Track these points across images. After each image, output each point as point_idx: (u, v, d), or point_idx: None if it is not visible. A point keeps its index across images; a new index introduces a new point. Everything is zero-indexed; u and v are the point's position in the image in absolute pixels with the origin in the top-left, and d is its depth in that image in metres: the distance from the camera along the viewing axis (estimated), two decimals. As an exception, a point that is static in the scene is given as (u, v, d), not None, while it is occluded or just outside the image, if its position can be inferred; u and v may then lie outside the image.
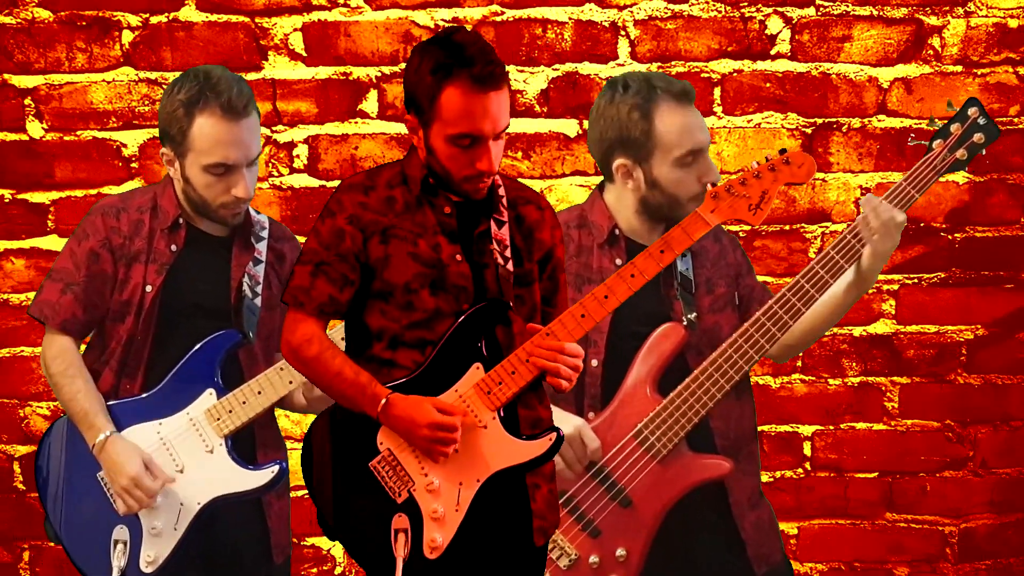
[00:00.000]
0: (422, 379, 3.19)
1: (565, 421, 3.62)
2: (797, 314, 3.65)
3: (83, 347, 3.94)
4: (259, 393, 3.84)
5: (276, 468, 3.82)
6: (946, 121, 3.77)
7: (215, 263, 3.91)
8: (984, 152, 3.75)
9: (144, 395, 3.86)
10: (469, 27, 4.57)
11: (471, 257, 3.24)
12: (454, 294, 3.21)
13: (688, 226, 3.24)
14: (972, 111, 3.75)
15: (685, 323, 3.69)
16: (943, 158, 3.72)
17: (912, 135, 3.79)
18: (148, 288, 3.86)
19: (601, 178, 3.86)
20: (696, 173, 3.70)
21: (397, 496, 3.18)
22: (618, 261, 3.72)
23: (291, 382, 3.84)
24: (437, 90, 3.15)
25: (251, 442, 3.92)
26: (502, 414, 3.20)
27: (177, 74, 3.94)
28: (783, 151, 3.32)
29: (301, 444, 3.26)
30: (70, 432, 3.87)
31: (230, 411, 3.83)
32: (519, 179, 3.43)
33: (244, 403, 3.84)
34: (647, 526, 3.64)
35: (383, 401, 3.16)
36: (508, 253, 3.26)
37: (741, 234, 4.59)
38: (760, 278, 3.93)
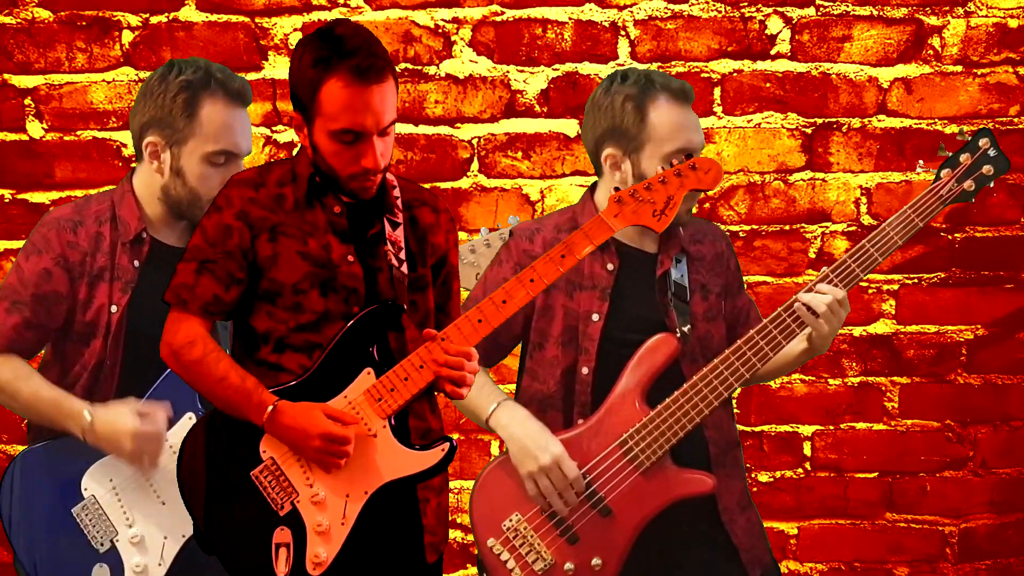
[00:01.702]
0: (309, 384, 3.06)
1: (544, 450, 3.59)
2: (791, 335, 3.63)
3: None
4: None
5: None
6: (956, 150, 3.70)
7: None
8: (992, 185, 3.69)
9: None
10: (467, 27, 4.58)
11: (364, 259, 3.13)
12: (344, 296, 3.10)
13: (590, 230, 3.17)
14: (983, 142, 3.68)
15: (679, 335, 3.66)
16: (950, 188, 3.67)
17: (921, 163, 3.74)
18: (114, 308, 3.67)
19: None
20: None
21: (279, 508, 3.04)
22: (609, 266, 3.70)
23: None
24: (318, 84, 3.04)
25: None
26: (393, 422, 3.08)
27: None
28: (689, 155, 3.25)
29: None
30: (32, 469, 3.67)
31: None
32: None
33: None
34: (625, 537, 3.62)
35: (270, 408, 3.02)
36: (402, 255, 3.15)
37: (741, 234, 4.59)
38: (760, 278, 3.91)
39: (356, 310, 3.09)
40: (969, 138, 3.68)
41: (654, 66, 4.57)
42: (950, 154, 3.68)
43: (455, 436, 4.67)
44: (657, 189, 3.21)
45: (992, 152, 3.67)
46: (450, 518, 4.65)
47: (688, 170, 3.23)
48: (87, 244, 3.70)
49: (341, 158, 3.07)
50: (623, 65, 4.58)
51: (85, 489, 3.67)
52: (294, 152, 3.30)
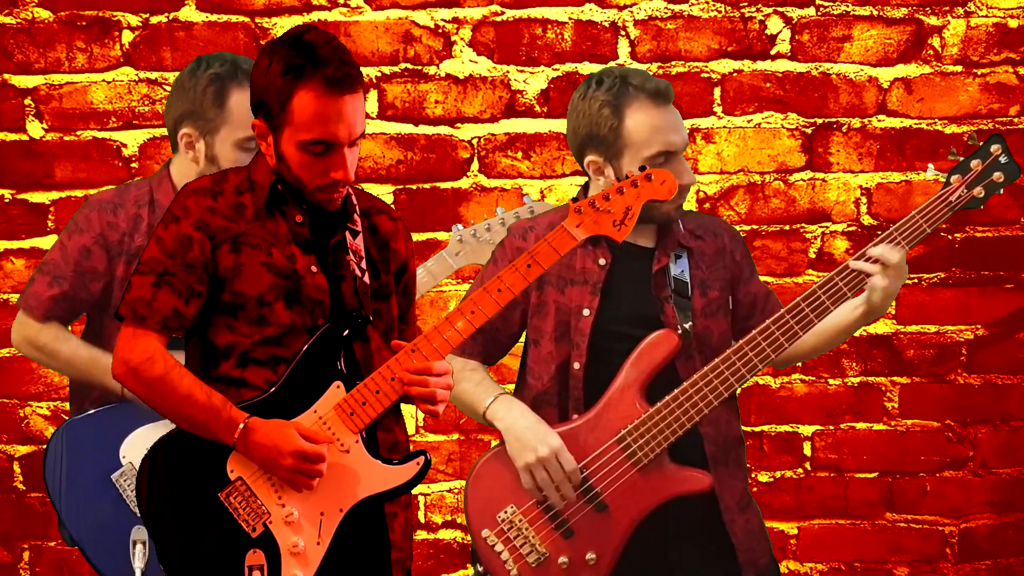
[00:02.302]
0: (276, 399, 2.96)
1: (542, 442, 3.60)
2: (793, 337, 3.61)
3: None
4: None
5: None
6: (967, 155, 3.65)
7: None
8: (1002, 191, 3.66)
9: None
10: (467, 27, 4.58)
11: (327, 268, 3.04)
12: (309, 308, 3.01)
13: (554, 240, 3.15)
14: (995, 148, 3.62)
15: (680, 331, 3.65)
16: (959, 195, 3.63)
17: (931, 166, 3.71)
18: None
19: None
20: None
21: (251, 530, 2.95)
22: (601, 261, 3.68)
23: None
24: (288, 93, 2.94)
25: None
26: (365, 436, 3.00)
27: (176, 74, 3.94)
28: (643, 168, 3.24)
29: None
30: (76, 437, 3.82)
31: None
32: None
33: None
34: (620, 532, 3.62)
35: (241, 426, 2.91)
36: (364, 264, 3.07)
37: (741, 234, 4.59)
38: (760, 278, 3.90)
39: (321, 322, 3.01)
40: (980, 144, 3.64)
41: (654, 66, 4.57)
42: (961, 159, 3.64)
43: (456, 436, 4.67)
44: (615, 200, 3.18)
45: (1004, 159, 3.62)
46: (450, 518, 4.68)
47: (644, 181, 3.20)
48: (126, 225, 3.86)
49: (310, 169, 2.99)
50: (623, 65, 4.57)
51: (123, 457, 3.81)
52: None
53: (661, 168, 3.52)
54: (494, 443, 4.61)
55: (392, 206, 3.33)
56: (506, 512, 3.63)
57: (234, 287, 2.99)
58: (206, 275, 2.99)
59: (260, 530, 2.95)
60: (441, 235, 4.53)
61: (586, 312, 3.67)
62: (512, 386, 3.82)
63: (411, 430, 4.66)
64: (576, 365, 3.67)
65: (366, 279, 3.07)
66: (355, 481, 2.97)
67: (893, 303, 3.90)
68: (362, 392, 2.99)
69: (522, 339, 3.79)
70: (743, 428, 3.81)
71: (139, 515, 3.55)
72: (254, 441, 2.92)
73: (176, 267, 2.98)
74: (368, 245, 3.11)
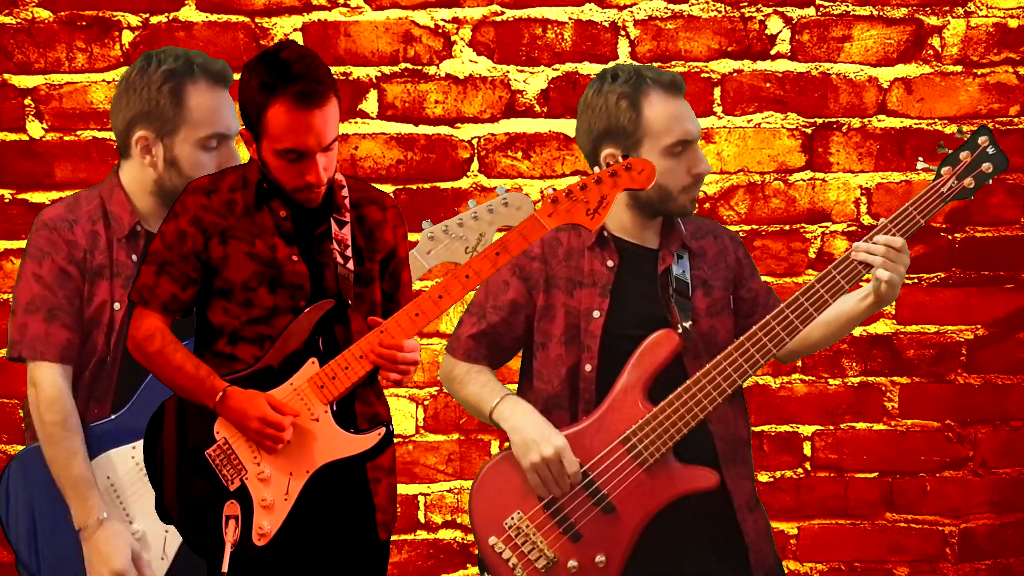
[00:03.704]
0: (259, 373, 3.33)
1: (546, 441, 3.60)
2: (794, 332, 3.63)
3: None
4: None
5: None
6: (956, 148, 3.72)
7: None
8: (991, 182, 3.72)
9: (114, 416, 3.69)
10: (467, 27, 4.58)
11: (310, 257, 3.36)
12: (291, 292, 3.34)
13: (524, 229, 3.31)
14: (982, 140, 3.70)
15: (680, 331, 3.66)
16: (950, 186, 3.69)
17: (921, 159, 3.76)
18: (116, 306, 3.70)
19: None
20: (686, 164, 3.67)
21: (229, 484, 3.31)
22: (609, 263, 3.70)
23: None
24: (263, 107, 3.24)
25: None
26: (335, 408, 3.33)
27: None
28: (625, 156, 3.34)
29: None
30: (30, 468, 3.68)
31: None
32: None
33: None
34: (628, 534, 3.62)
35: (220, 394, 3.29)
36: (349, 253, 3.38)
37: (741, 234, 4.59)
38: (760, 278, 3.91)
39: (303, 305, 3.34)
40: (968, 136, 3.70)
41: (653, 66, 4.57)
42: (950, 152, 3.70)
43: (456, 436, 4.67)
44: (592, 189, 3.34)
45: (991, 150, 3.70)
46: (450, 518, 4.68)
47: (623, 170, 3.34)
48: (85, 242, 3.70)
49: (287, 174, 3.30)
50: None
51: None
52: None
53: (685, 154, 3.58)
54: (494, 443, 4.61)
55: (387, 195, 3.47)
56: (513, 519, 3.62)
57: (224, 275, 3.36)
58: (200, 264, 3.36)
59: (237, 484, 3.32)
60: (441, 235, 4.53)
61: (596, 314, 3.67)
62: (513, 386, 3.82)
63: (411, 430, 4.66)
64: (588, 367, 3.67)
65: (349, 266, 3.37)
66: (321, 447, 3.31)
67: (893, 304, 3.92)
68: (332, 368, 3.32)
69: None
70: (744, 428, 3.82)
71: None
72: (229, 407, 3.30)
73: (174, 258, 3.36)
74: (355, 235, 3.41)
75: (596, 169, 3.33)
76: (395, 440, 4.64)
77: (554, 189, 3.35)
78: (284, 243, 3.36)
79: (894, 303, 4.61)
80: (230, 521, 3.29)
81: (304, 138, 3.24)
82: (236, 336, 3.36)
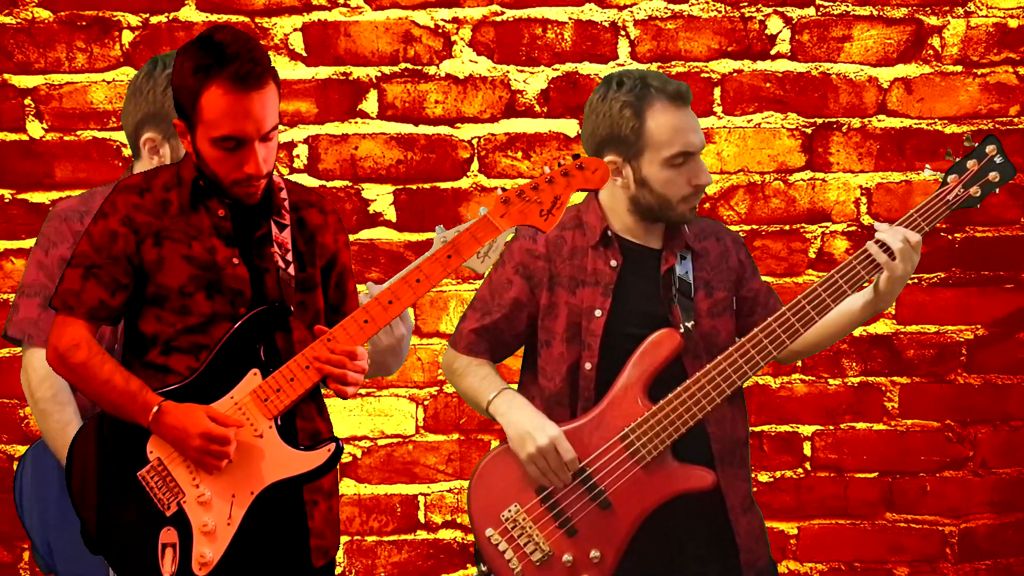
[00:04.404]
0: (196, 385, 3.09)
1: (540, 431, 3.61)
2: (795, 334, 3.63)
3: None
4: None
5: None
6: (963, 156, 3.70)
7: None
8: (998, 191, 3.71)
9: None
10: (467, 27, 4.58)
11: (250, 261, 3.15)
12: (230, 298, 3.12)
13: (476, 231, 3.19)
14: (990, 148, 3.68)
15: (682, 331, 3.67)
16: (956, 194, 3.68)
17: (928, 166, 3.75)
18: None
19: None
20: (686, 175, 3.67)
21: (166, 508, 3.06)
22: (612, 263, 3.70)
23: None
24: (198, 92, 3.05)
25: None
26: (279, 423, 3.10)
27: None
28: (576, 156, 3.26)
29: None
30: (44, 456, 3.69)
31: None
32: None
33: None
34: (624, 530, 3.63)
35: (155, 409, 3.05)
36: (290, 257, 3.17)
37: (741, 234, 4.59)
38: (762, 278, 3.91)
39: (243, 311, 3.12)
40: (976, 144, 3.69)
41: (654, 66, 4.57)
42: (957, 159, 3.69)
43: (456, 436, 4.67)
44: (544, 189, 3.22)
45: (999, 159, 3.68)
46: (450, 518, 4.68)
47: (575, 170, 3.24)
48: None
49: (224, 164, 3.10)
50: (623, 65, 4.58)
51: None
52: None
53: (687, 165, 3.57)
54: (494, 443, 4.61)
55: (326, 199, 3.34)
56: (510, 511, 3.63)
57: (157, 279, 3.12)
58: (131, 268, 3.13)
59: (174, 509, 3.06)
60: (441, 235, 4.53)
61: (598, 313, 3.68)
62: (514, 385, 3.82)
63: (411, 430, 4.66)
64: (588, 365, 3.68)
65: (290, 271, 3.16)
66: (267, 465, 3.07)
67: (893, 304, 3.92)
68: (277, 379, 3.09)
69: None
70: (744, 428, 3.82)
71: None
72: (166, 423, 3.05)
73: (103, 260, 3.12)
74: (296, 238, 3.20)
75: (547, 169, 3.27)
76: (395, 440, 4.65)
77: (505, 189, 3.23)
78: (223, 245, 3.14)
79: (894, 305, 4.61)
80: (167, 550, 3.04)
81: (242, 124, 3.05)
82: (169, 345, 3.12)
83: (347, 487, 4.65)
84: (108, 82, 4.59)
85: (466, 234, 3.19)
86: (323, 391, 3.26)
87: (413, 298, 3.16)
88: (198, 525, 3.06)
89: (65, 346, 3.11)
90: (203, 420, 3.04)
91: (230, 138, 3.07)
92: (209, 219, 3.16)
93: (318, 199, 3.30)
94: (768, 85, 4.62)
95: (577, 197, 4.51)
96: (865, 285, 3.66)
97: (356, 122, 4.62)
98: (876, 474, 4.68)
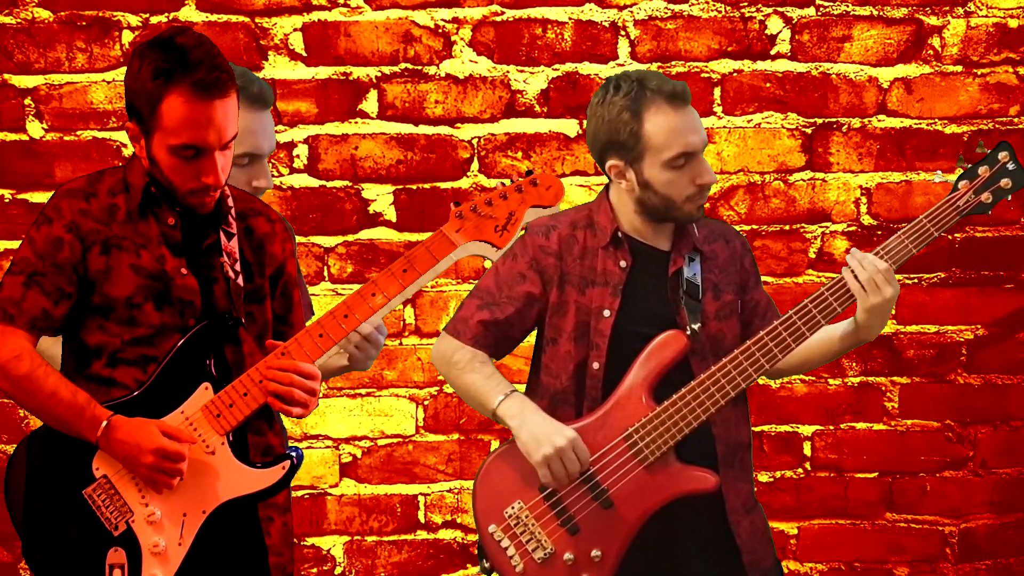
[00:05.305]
0: (144, 399, 2.99)
1: (559, 433, 3.61)
2: (800, 338, 3.62)
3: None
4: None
5: None
6: (975, 162, 3.67)
7: None
8: (1010, 198, 3.68)
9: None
10: (467, 27, 4.58)
11: (198, 271, 3.06)
12: (179, 309, 3.03)
13: (432, 246, 3.13)
14: (1002, 155, 3.65)
15: (688, 333, 3.66)
16: (967, 200, 3.65)
17: (939, 172, 3.74)
18: None
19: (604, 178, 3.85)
20: (689, 175, 3.66)
21: (113, 528, 2.97)
22: (622, 263, 3.70)
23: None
24: (158, 98, 2.94)
25: None
26: (232, 439, 3.01)
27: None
28: (530, 172, 3.21)
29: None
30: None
31: None
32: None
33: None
34: (625, 530, 3.63)
35: (104, 424, 2.94)
36: (238, 267, 3.09)
37: (741, 234, 4.59)
38: (760, 278, 3.91)
39: (192, 323, 3.03)
40: (988, 151, 3.67)
41: (654, 66, 4.57)
42: (968, 165, 3.66)
43: (456, 436, 4.67)
44: (499, 205, 3.15)
45: (1011, 165, 3.64)
46: (450, 518, 4.68)
47: (529, 186, 3.17)
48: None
49: (181, 173, 3.00)
50: (623, 65, 4.58)
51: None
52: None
53: (689, 166, 3.57)
54: (494, 443, 4.61)
55: (271, 208, 3.27)
56: (513, 508, 3.64)
57: (103, 289, 3.01)
58: (76, 277, 3.01)
59: (122, 528, 2.97)
60: (441, 235, 4.53)
61: (607, 313, 3.68)
62: (520, 387, 3.82)
63: (411, 430, 4.66)
64: (595, 365, 3.68)
65: (239, 281, 3.08)
66: (219, 483, 2.98)
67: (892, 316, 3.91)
68: (229, 394, 3.00)
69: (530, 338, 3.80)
70: (745, 429, 3.81)
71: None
72: (116, 439, 2.95)
73: (46, 268, 3.00)
74: (243, 247, 3.12)
75: (502, 184, 3.23)
76: (395, 440, 4.65)
77: (458, 204, 3.16)
78: (171, 254, 3.04)
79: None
80: (115, 571, 2.95)
81: (203, 132, 2.93)
82: (116, 357, 3.01)
83: (347, 487, 4.65)
84: (108, 82, 4.60)
85: (421, 248, 3.11)
86: None
87: (369, 313, 3.07)
88: (148, 545, 2.97)
89: (6, 358, 2.99)
90: (156, 435, 2.94)
91: (190, 147, 2.97)
92: (158, 227, 3.06)
93: (264, 207, 3.21)
94: (768, 85, 4.62)
95: (579, 197, 4.52)
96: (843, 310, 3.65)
97: (356, 122, 4.62)
98: (876, 474, 4.68)
